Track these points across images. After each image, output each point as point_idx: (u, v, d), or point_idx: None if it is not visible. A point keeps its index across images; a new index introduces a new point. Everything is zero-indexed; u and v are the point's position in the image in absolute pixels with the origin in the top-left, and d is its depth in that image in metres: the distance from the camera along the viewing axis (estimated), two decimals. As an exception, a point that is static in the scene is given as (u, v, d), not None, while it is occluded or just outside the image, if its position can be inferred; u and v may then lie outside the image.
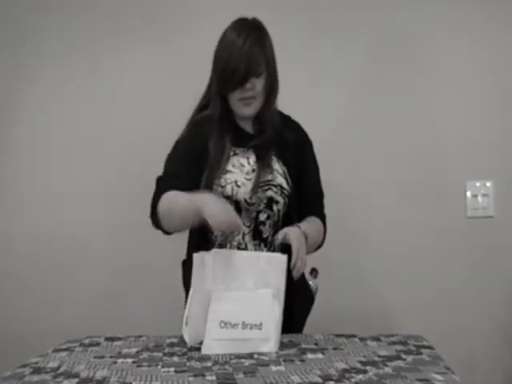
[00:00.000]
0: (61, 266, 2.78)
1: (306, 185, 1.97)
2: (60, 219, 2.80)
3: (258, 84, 1.84)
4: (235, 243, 1.89)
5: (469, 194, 2.71)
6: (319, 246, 2.00)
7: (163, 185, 1.87)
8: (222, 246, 1.89)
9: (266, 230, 1.91)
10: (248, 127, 1.96)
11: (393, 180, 2.71)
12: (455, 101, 2.72)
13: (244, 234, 1.89)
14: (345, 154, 2.71)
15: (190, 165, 1.86)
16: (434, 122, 2.72)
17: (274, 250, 1.88)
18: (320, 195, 2.04)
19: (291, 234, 1.74)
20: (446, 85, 2.72)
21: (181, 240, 2.00)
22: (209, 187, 1.84)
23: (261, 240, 1.90)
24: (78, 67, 2.80)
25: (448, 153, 2.71)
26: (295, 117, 2.06)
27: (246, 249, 1.88)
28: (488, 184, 2.70)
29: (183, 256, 2.04)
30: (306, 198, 1.96)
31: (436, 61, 2.72)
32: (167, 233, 1.89)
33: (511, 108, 2.72)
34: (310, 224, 1.90)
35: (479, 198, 2.71)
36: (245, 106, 1.88)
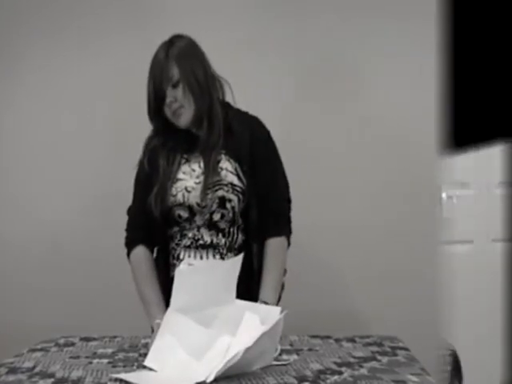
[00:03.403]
0: (38, 266, 2.75)
1: (260, 175, 1.90)
2: (43, 220, 2.77)
3: (177, 93, 1.84)
4: (190, 234, 1.89)
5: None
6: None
7: (129, 224, 1.98)
8: (183, 235, 1.90)
9: (222, 225, 1.90)
10: (201, 131, 1.93)
11: (380, 180, 2.71)
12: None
13: (199, 227, 1.89)
14: (339, 157, 2.70)
15: (147, 196, 1.90)
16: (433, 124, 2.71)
17: (232, 241, 1.89)
18: (277, 185, 1.97)
19: None
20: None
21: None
22: (162, 199, 1.86)
23: (217, 230, 1.90)
24: (61, 66, 2.77)
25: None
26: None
27: (202, 238, 1.89)
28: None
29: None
30: (261, 189, 1.89)
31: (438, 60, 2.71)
32: None
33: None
34: (272, 273, 1.88)
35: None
36: (176, 117, 1.87)
